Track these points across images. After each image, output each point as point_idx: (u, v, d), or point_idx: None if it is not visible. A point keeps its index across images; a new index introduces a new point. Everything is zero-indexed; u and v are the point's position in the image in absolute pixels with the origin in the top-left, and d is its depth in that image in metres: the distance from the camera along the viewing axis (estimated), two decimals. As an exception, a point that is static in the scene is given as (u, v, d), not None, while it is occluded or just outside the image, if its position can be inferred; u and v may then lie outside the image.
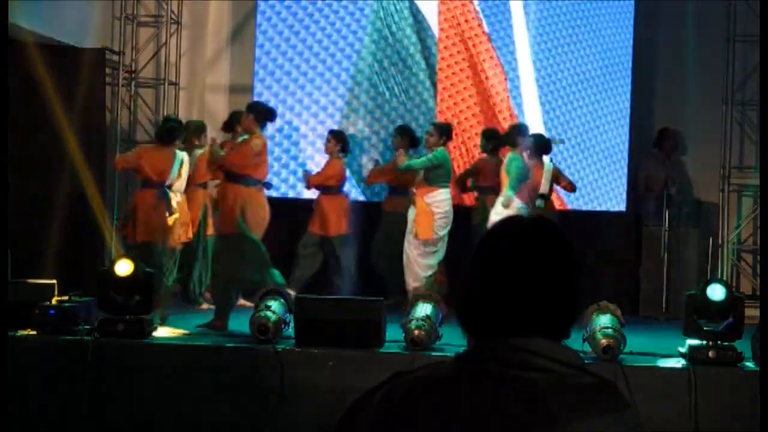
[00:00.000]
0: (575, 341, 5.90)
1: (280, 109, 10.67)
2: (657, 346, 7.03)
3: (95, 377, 6.43)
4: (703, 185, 10.77)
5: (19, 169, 8.39)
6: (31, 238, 8.81)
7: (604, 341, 6.32)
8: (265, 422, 6.34)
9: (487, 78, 10.65)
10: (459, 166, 10.31)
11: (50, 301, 6.86)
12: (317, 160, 10.43)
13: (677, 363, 6.47)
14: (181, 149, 8.61)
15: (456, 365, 1.70)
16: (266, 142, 7.93)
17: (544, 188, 9.34)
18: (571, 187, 9.67)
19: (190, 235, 8.70)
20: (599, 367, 5.93)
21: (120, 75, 11.00)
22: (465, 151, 10.53)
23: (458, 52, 10.73)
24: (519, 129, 9.35)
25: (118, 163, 9.01)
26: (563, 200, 10.34)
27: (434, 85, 10.71)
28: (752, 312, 7.01)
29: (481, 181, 9.66)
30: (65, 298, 7.03)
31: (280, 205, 9.15)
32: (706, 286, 6.51)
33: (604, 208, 10.43)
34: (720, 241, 10.56)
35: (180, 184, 8.66)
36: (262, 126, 7.86)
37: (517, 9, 10.79)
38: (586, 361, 1.72)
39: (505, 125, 10.10)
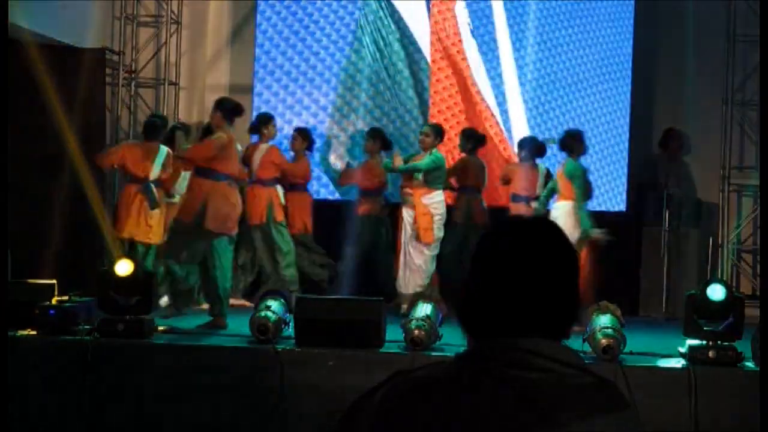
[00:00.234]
0: (575, 341, 5.90)
1: (279, 109, 10.71)
2: (657, 346, 7.03)
3: (95, 377, 6.43)
4: (703, 185, 10.78)
5: (19, 169, 8.39)
6: (31, 238, 8.81)
7: (604, 341, 6.32)
8: (265, 422, 6.34)
9: (473, 84, 10.69)
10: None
11: (50, 301, 6.86)
12: (316, 160, 10.49)
13: (677, 363, 6.47)
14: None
15: (456, 365, 1.70)
16: (233, 138, 7.91)
17: (539, 190, 9.38)
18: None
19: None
20: (599, 367, 5.93)
21: (120, 75, 11.00)
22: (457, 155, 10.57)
23: (449, 55, 10.77)
24: (579, 135, 9.00)
25: (98, 160, 9.11)
26: None
27: (426, 89, 10.77)
28: (752, 312, 7.00)
29: (462, 181, 9.62)
30: (65, 298, 7.03)
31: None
32: (706, 286, 6.50)
33: (604, 208, 10.42)
34: (720, 241, 10.56)
35: (179, 184, 8.75)
36: (230, 122, 7.90)
37: (517, 9, 10.80)
38: (586, 361, 1.72)
39: (490, 129, 10.24)
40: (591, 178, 9.28)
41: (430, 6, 10.79)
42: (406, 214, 9.18)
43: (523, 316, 1.70)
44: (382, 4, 10.83)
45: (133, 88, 11.11)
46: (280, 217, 9.37)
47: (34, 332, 6.69)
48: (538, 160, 9.60)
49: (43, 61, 8.88)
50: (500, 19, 10.75)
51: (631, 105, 10.65)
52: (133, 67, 11.13)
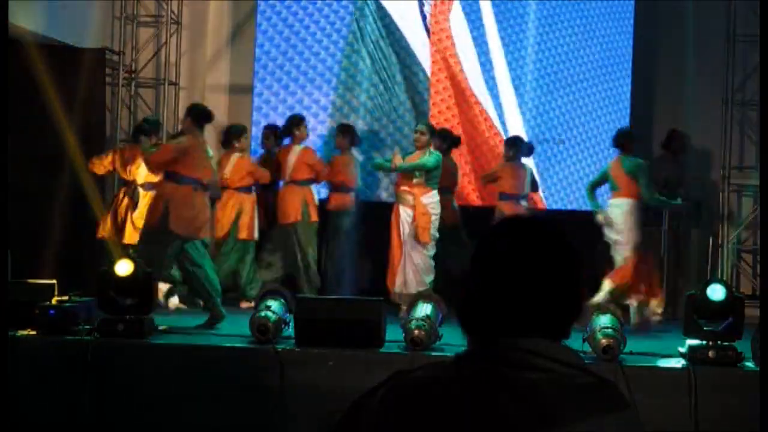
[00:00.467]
0: (575, 341, 5.90)
1: (280, 109, 10.71)
2: (657, 346, 7.03)
3: (95, 377, 6.42)
4: (703, 185, 10.77)
5: (19, 169, 8.39)
6: (31, 238, 8.81)
7: (604, 341, 6.32)
8: (265, 422, 6.34)
9: (468, 86, 10.71)
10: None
11: (50, 301, 6.86)
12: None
13: (677, 363, 6.47)
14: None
15: (456, 365, 1.70)
16: (198, 142, 7.82)
17: (527, 189, 9.58)
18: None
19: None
20: (599, 367, 5.93)
21: (120, 75, 11.00)
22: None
23: (450, 55, 10.78)
24: (630, 132, 9.16)
25: (91, 168, 9.29)
26: (544, 202, 10.47)
27: (427, 89, 10.77)
28: (752, 312, 7.00)
29: (442, 182, 9.52)
30: (65, 298, 7.03)
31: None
32: (706, 286, 6.50)
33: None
34: (720, 241, 10.56)
35: None
36: (200, 127, 7.88)
37: (517, 9, 10.80)
38: (586, 361, 1.72)
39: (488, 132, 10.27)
40: (591, 178, 9.31)
41: (428, 9, 10.80)
42: (404, 213, 9.03)
43: (523, 316, 1.69)
44: (372, 8, 10.84)
45: (133, 88, 11.11)
46: (314, 217, 9.42)
47: (34, 332, 6.69)
48: (523, 159, 9.72)
49: (43, 61, 8.88)
50: (489, 20, 10.77)
51: (631, 105, 10.65)
52: (133, 67, 11.13)
